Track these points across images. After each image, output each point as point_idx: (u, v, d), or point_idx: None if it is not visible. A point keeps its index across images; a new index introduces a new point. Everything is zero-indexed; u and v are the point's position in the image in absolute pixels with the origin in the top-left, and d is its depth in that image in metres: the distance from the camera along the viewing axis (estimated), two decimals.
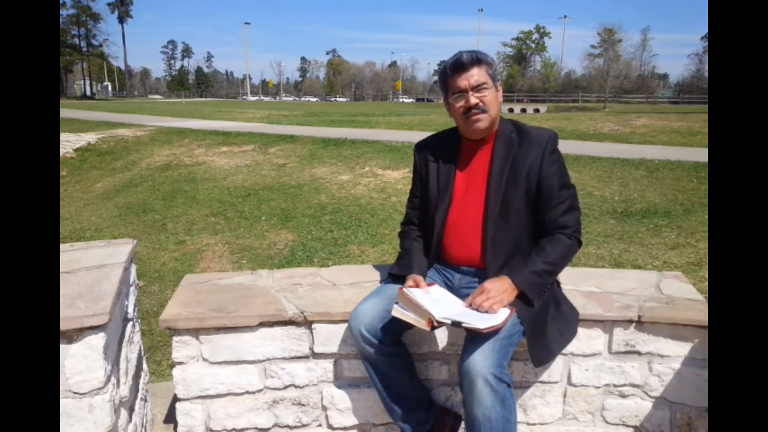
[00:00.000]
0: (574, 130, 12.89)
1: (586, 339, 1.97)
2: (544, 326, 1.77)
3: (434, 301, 1.68)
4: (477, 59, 1.78)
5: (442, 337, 2.00)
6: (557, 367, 2.00)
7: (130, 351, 1.94)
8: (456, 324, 1.59)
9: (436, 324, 1.60)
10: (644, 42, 58.59)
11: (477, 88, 1.77)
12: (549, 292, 1.82)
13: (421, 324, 1.63)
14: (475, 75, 1.76)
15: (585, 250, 4.98)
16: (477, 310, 1.66)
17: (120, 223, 7.00)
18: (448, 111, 1.88)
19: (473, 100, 1.77)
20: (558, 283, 1.93)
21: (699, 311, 1.95)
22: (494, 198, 1.80)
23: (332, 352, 1.98)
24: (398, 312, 1.67)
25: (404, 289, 1.70)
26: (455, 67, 1.79)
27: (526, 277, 1.72)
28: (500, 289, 1.69)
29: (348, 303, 1.95)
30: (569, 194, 1.82)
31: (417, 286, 1.77)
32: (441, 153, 1.93)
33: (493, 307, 1.64)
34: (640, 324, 1.94)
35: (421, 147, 2.01)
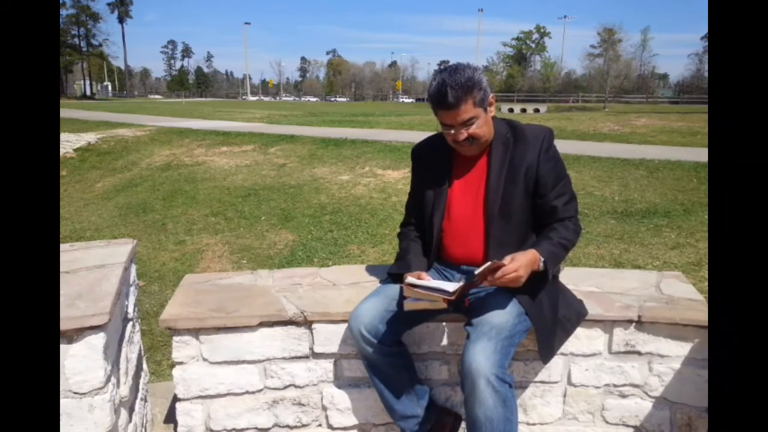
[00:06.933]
0: (574, 130, 12.89)
1: (586, 339, 1.97)
2: (554, 328, 1.80)
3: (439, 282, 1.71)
4: (463, 95, 1.65)
5: (442, 336, 2.00)
6: (557, 367, 2.00)
7: (130, 351, 1.94)
8: (471, 277, 1.66)
9: (452, 297, 1.61)
10: (644, 42, 58.56)
11: (465, 123, 1.72)
12: (556, 292, 1.84)
13: (437, 305, 1.64)
14: (462, 113, 1.68)
15: (585, 250, 4.98)
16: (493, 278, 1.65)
17: (120, 223, 7.00)
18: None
19: (462, 136, 1.73)
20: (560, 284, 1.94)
21: (699, 311, 1.95)
22: (494, 198, 1.80)
23: (332, 352, 1.98)
24: (410, 305, 1.68)
25: (408, 280, 1.69)
26: (440, 104, 1.69)
27: (545, 247, 1.73)
28: (526, 260, 1.66)
29: (348, 303, 1.95)
30: (567, 186, 1.85)
31: (418, 278, 1.78)
32: (438, 154, 1.93)
33: (519, 278, 1.62)
34: (640, 324, 1.94)
35: (418, 149, 2.02)
